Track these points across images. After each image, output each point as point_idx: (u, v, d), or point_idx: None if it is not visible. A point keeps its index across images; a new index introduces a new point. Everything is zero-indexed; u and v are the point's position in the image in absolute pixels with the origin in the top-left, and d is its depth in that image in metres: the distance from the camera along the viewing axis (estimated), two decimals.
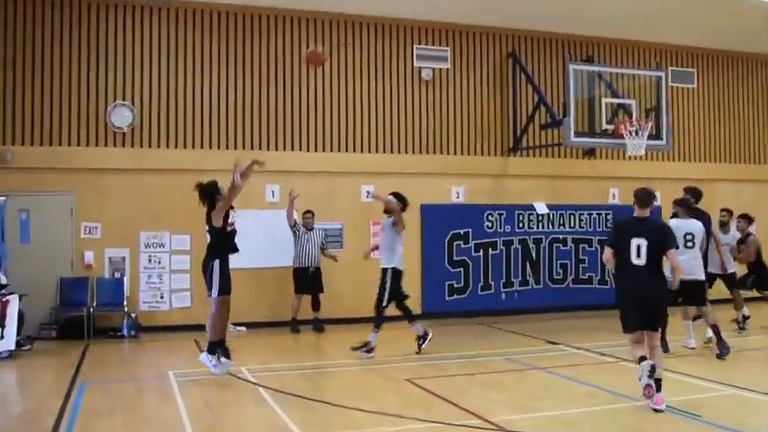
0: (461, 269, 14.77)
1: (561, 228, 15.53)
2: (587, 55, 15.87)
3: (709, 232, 11.08)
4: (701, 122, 17.21)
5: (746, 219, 12.91)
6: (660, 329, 7.98)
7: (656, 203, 14.56)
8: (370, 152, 14.49)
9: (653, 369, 7.32)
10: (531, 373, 9.39)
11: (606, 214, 15.73)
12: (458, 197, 15.02)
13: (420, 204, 14.54)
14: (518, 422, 6.90)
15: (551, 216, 15.44)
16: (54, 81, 12.90)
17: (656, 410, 7.22)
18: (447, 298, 14.65)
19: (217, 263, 9.15)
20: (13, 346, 10.61)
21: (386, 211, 10.88)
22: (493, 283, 14.96)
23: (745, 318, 12.45)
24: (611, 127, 13.89)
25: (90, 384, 8.79)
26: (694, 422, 6.86)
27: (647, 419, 7.08)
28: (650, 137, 13.75)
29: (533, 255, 15.30)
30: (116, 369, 10.13)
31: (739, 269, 12.51)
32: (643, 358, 7.56)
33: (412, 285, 14.26)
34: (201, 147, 13.55)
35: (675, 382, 8.33)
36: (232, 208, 9.33)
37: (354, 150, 14.40)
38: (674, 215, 10.69)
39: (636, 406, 7.47)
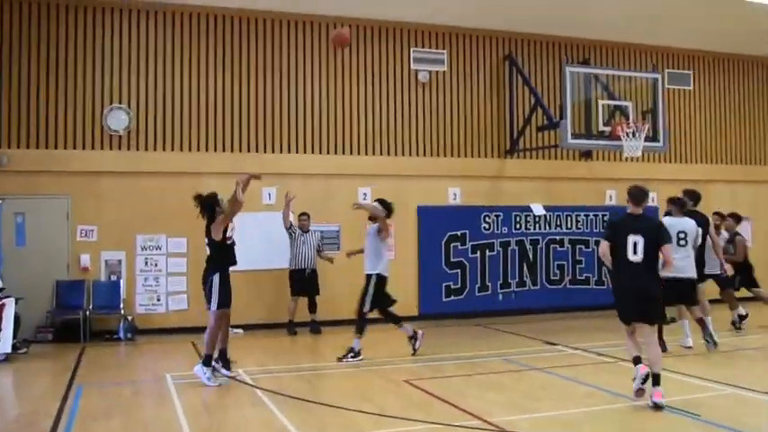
0: (458, 270, 14.76)
1: (558, 229, 15.54)
2: (584, 57, 15.91)
3: (706, 234, 11.14)
4: (698, 124, 17.25)
5: (735, 218, 12.89)
6: (657, 328, 7.99)
7: (651, 204, 14.88)
8: (367, 154, 14.48)
9: (647, 377, 7.38)
10: (529, 374, 9.37)
11: (603, 215, 15.74)
12: (455, 199, 15.02)
13: (417, 206, 14.60)
14: (517, 423, 6.89)
15: (548, 217, 15.45)
16: (50, 84, 12.88)
17: (655, 405, 7.24)
18: (444, 299, 14.64)
19: (217, 276, 9.06)
20: (9, 350, 10.57)
21: (371, 218, 10.79)
22: (490, 284, 14.96)
23: (741, 317, 12.48)
24: (607, 129, 13.95)
25: (87, 387, 8.76)
26: (694, 422, 6.86)
27: (646, 419, 7.07)
28: (647, 138, 13.79)
29: (530, 256, 15.31)
30: (113, 372, 10.09)
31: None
32: (638, 359, 7.65)
33: (409, 287, 14.36)
34: (198, 150, 13.53)
35: (674, 381, 8.32)
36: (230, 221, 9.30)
37: (351, 153, 14.40)
38: (668, 213, 10.78)
39: (635, 406, 7.45)
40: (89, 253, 12.81)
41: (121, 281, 12.91)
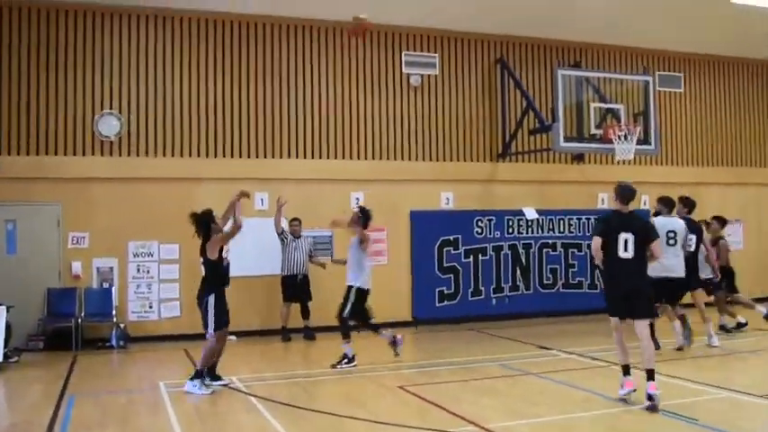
0: (451, 275, 14.73)
1: (551, 233, 15.53)
2: (575, 60, 15.93)
3: (700, 241, 11.26)
4: (689, 126, 17.30)
5: (720, 221, 12.84)
6: (650, 325, 8.13)
7: (643, 207, 14.92)
8: (359, 159, 14.46)
9: (632, 392, 7.70)
10: (524, 379, 9.35)
11: (595, 219, 15.70)
12: (447, 203, 15.00)
13: (409, 211, 14.57)
14: (514, 428, 6.88)
15: (541, 221, 15.44)
16: (40, 90, 12.80)
17: (650, 396, 7.35)
18: (437, 304, 14.60)
19: (212, 298, 8.96)
20: (0, 358, 10.48)
21: (351, 225, 10.69)
22: (483, 288, 14.93)
23: (741, 324, 12.52)
24: (599, 132, 13.94)
25: (80, 396, 8.69)
26: (691, 426, 6.84)
27: (643, 424, 7.06)
28: (639, 141, 13.79)
29: (523, 260, 15.30)
30: (106, 380, 10.02)
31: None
32: (627, 369, 7.89)
33: (402, 292, 14.37)
34: (189, 155, 13.47)
35: (670, 385, 8.32)
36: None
37: (344, 157, 14.37)
38: (657, 213, 10.92)
39: (632, 410, 7.45)
40: (81, 260, 12.73)
41: (113, 288, 12.83)
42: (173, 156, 13.37)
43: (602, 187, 15.97)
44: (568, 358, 10.66)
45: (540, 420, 7.22)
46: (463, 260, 14.82)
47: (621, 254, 7.76)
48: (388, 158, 14.67)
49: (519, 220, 15.29)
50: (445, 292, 14.67)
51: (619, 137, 13.59)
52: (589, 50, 16.31)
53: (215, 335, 8.99)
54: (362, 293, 10.44)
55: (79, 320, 12.34)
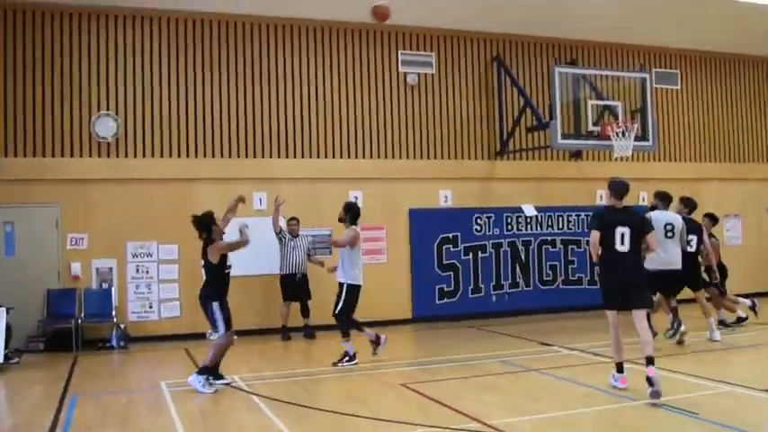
0: (451, 273, 14.74)
1: (550, 229, 15.55)
2: (571, 58, 15.92)
3: (701, 240, 11.32)
4: (686, 123, 17.31)
5: (711, 218, 12.80)
6: (647, 313, 8.36)
7: (641, 203, 14.93)
8: (357, 158, 14.45)
9: (624, 388, 7.99)
10: (525, 375, 9.35)
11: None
12: (446, 201, 15.01)
13: (408, 209, 14.58)
14: (516, 425, 6.86)
15: (539, 218, 15.46)
16: (36, 92, 12.78)
17: (649, 380, 7.49)
18: (437, 302, 14.62)
19: (216, 305, 8.96)
20: (0, 360, 10.48)
21: (340, 220, 10.63)
22: (483, 285, 14.95)
23: (741, 319, 12.54)
24: (597, 129, 13.96)
25: (81, 397, 8.68)
26: (693, 420, 6.84)
27: (646, 419, 7.07)
28: (636, 138, 13.81)
29: (522, 257, 15.31)
30: (107, 381, 10.00)
31: None
32: (620, 367, 8.12)
33: (402, 290, 14.39)
34: (187, 156, 13.46)
35: (672, 380, 8.33)
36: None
37: (341, 156, 14.36)
38: (654, 207, 11.00)
39: (635, 406, 7.46)
40: (80, 261, 12.72)
41: (113, 289, 12.82)
42: (170, 156, 13.35)
43: (600, 184, 15.88)
44: (570, 354, 10.66)
45: (543, 417, 7.21)
46: (463, 257, 14.83)
47: (618, 247, 7.94)
48: (386, 157, 14.67)
49: (518, 217, 15.31)
50: (445, 289, 14.68)
51: (616, 134, 13.61)
52: (585, 48, 16.32)
53: (225, 335, 9.00)
54: (354, 289, 10.34)
55: (79, 321, 12.34)
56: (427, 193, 14.82)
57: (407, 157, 14.82)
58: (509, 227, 15.23)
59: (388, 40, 14.85)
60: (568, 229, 15.68)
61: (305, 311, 13.09)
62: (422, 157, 14.91)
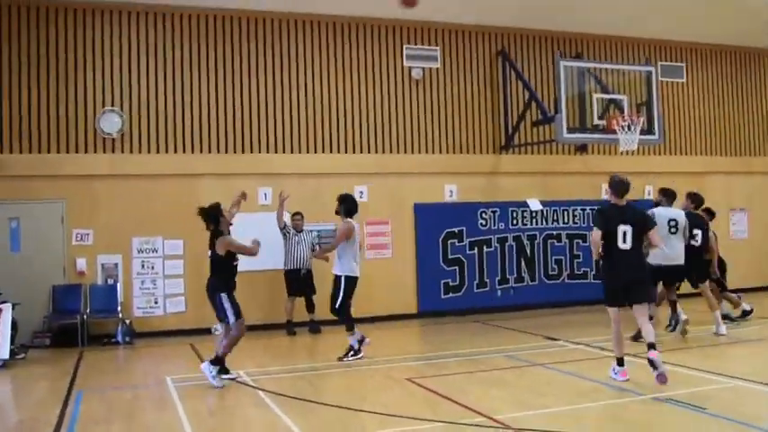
0: (456, 267, 14.73)
1: (555, 224, 15.52)
2: (576, 52, 15.86)
3: (707, 237, 11.37)
4: (692, 116, 17.25)
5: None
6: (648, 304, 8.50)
7: (647, 197, 14.91)
8: (362, 152, 14.43)
9: (626, 380, 8.08)
10: (531, 370, 9.33)
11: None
12: (451, 196, 14.99)
13: (413, 204, 14.56)
14: (523, 419, 6.85)
15: (545, 212, 15.44)
16: (41, 88, 12.78)
17: (651, 362, 7.74)
18: (443, 296, 14.61)
19: (224, 296, 8.98)
20: (7, 356, 10.49)
21: (336, 213, 10.60)
22: (488, 280, 14.93)
23: (746, 312, 12.50)
24: (602, 122, 13.91)
25: (87, 393, 8.68)
26: (700, 415, 6.82)
27: (652, 414, 7.06)
28: (642, 131, 13.76)
29: (528, 251, 15.29)
30: (112, 376, 10.02)
31: None
32: (621, 362, 8.20)
33: (407, 285, 14.39)
34: (192, 151, 13.45)
35: (677, 374, 8.31)
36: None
37: (346, 151, 14.34)
38: (657, 203, 11.09)
39: (641, 400, 7.45)
40: (85, 257, 12.73)
41: (118, 284, 12.83)
42: (175, 152, 13.34)
43: (605, 178, 15.58)
44: (575, 349, 10.64)
45: (549, 411, 7.18)
46: (468, 252, 14.81)
47: (621, 245, 8.05)
48: (391, 152, 14.64)
49: (523, 211, 15.29)
50: (450, 284, 14.67)
51: (622, 127, 13.55)
52: (590, 41, 16.27)
53: (237, 323, 8.98)
54: (351, 281, 10.28)
55: (85, 317, 12.36)
56: (432, 187, 14.80)
57: (412, 151, 14.79)
58: (514, 221, 15.21)
59: (392, 34, 14.82)
60: (574, 223, 15.66)
61: (310, 306, 13.09)
62: (427, 152, 14.88)
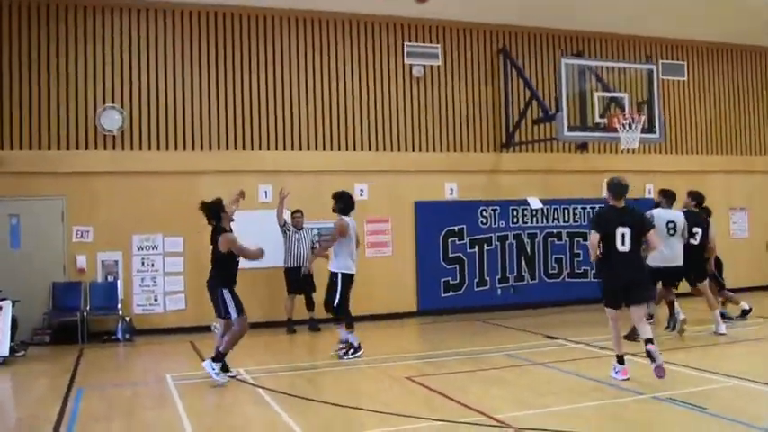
0: (456, 266, 14.72)
1: (555, 222, 15.51)
2: (577, 50, 15.84)
3: (707, 235, 11.38)
4: (693, 115, 17.24)
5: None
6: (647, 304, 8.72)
7: (648, 196, 14.90)
8: (362, 150, 14.42)
9: (626, 379, 8.12)
10: (531, 369, 9.33)
11: (600, 208, 15.65)
12: (451, 194, 14.97)
13: (414, 202, 14.54)
14: (522, 418, 6.84)
15: (545, 211, 15.42)
16: (42, 85, 12.77)
17: (648, 353, 7.82)
18: (443, 294, 14.60)
19: (226, 291, 8.98)
20: (7, 353, 10.48)
21: (333, 211, 10.60)
22: (488, 278, 14.92)
23: (745, 312, 12.49)
24: (603, 121, 13.89)
25: (87, 390, 8.68)
26: (700, 414, 6.82)
27: (652, 413, 7.06)
28: (643, 130, 13.75)
29: (528, 250, 15.28)
30: (112, 373, 10.02)
31: None
32: (621, 359, 8.24)
33: (407, 283, 14.38)
34: (192, 148, 13.44)
35: (677, 374, 8.31)
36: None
37: (347, 149, 14.33)
38: (657, 205, 11.15)
39: (641, 399, 7.44)
40: (85, 254, 12.72)
41: (118, 281, 12.82)
42: (175, 149, 13.33)
43: (606, 176, 15.63)
44: (575, 347, 10.64)
45: (549, 410, 7.18)
46: (468, 250, 14.80)
47: (620, 247, 8.09)
48: (391, 150, 14.63)
49: (523, 209, 15.27)
50: (450, 282, 14.66)
51: (623, 126, 13.53)
52: (591, 39, 16.24)
53: (239, 319, 8.97)
54: (348, 278, 10.27)
55: (85, 314, 12.35)
56: (433, 185, 14.79)
57: (413, 149, 14.78)
58: (515, 219, 15.20)
59: (393, 31, 14.80)
60: (574, 221, 15.64)
61: (310, 304, 13.07)
62: (427, 150, 14.87)
